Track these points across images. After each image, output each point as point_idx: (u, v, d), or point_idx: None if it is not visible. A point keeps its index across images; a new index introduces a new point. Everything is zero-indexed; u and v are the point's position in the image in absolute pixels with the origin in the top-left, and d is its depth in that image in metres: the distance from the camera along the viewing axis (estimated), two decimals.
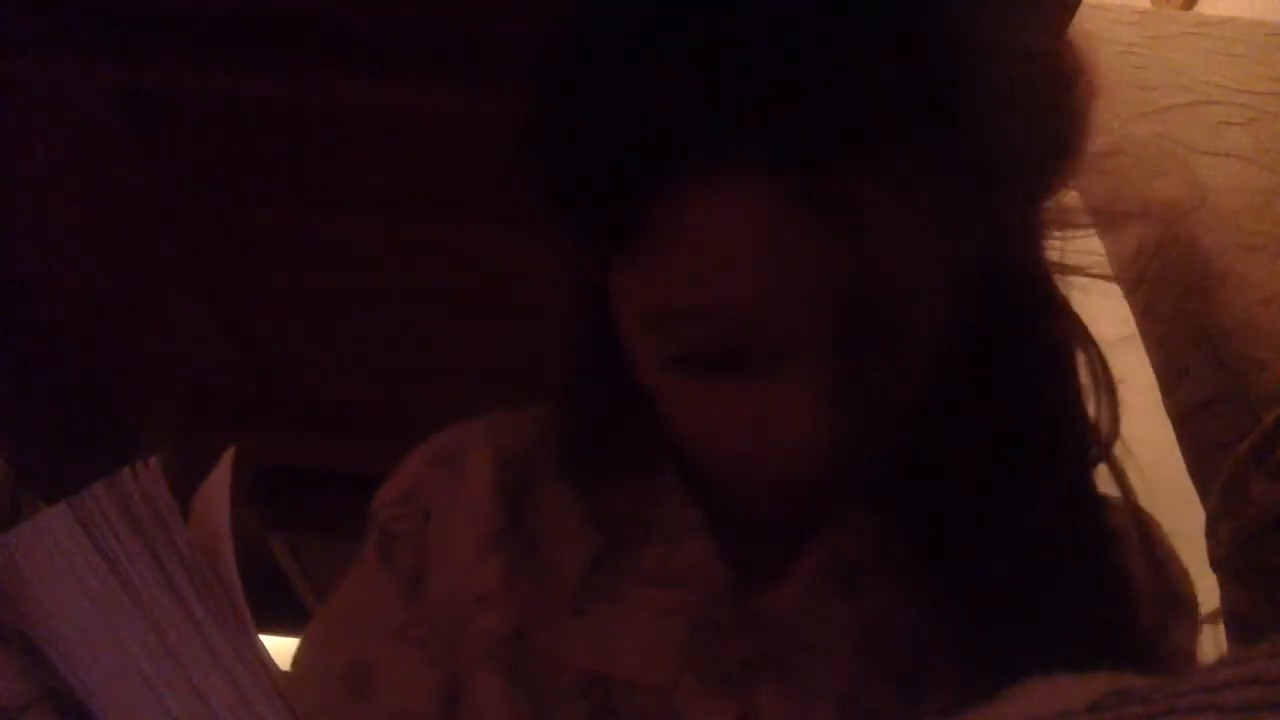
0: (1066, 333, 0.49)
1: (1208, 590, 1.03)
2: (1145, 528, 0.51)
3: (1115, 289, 1.10)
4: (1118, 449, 0.50)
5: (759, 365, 0.42)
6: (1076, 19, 0.82)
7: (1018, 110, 0.43)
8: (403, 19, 0.83)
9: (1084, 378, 0.49)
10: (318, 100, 0.91)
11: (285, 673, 0.33)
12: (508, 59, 0.63)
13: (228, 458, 0.32)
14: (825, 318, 0.40)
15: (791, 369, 0.42)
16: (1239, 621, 0.93)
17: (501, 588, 0.50)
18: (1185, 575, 0.54)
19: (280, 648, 0.51)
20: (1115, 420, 0.49)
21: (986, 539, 0.46)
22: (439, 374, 1.27)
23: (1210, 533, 0.95)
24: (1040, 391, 0.47)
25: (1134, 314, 1.08)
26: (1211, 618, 1.20)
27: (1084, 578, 0.46)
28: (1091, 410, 0.49)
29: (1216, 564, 0.94)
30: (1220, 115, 1.15)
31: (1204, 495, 0.96)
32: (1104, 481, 0.51)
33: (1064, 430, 0.48)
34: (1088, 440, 0.48)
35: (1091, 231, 0.50)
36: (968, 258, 0.43)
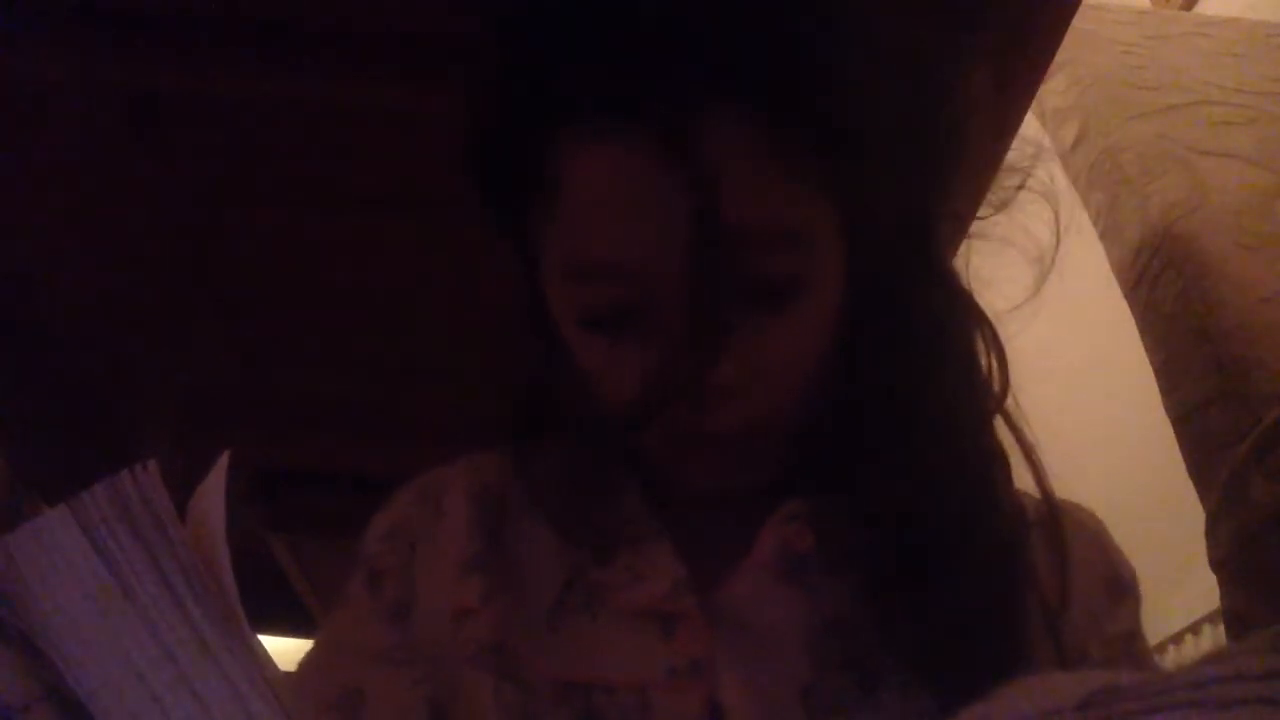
0: (955, 304, 0.52)
1: (1208, 590, 1.03)
2: (1059, 511, 0.54)
3: (1115, 288, 1.11)
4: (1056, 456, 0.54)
5: (655, 322, 0.46)
6: (1076, 19, 0.82)
7: (875, 93, 0.47)
8: (403, 20, 0.83)
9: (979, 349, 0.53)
10: (317, 100, 0.91)
11: (284, 673, 0.33)
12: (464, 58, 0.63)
13: (224, 460, 0.32)
14: (695, 267, 0.44)
15: (681, 324, 0.45)
16: (1239, 621, 0.93)
17: (481, 605, 0.53)
18: (1123, 559, 0.56)
19: (280, 648, 0.51)
20: (1006, 382, 0.52)
21: (894, 502, 0.49)
22: (439, 374, 1.27)
23: (1210, 533, 0.95)
24: (937, 358, 0.51)
25: (1134, 314, 1.08)
26: (1211, 618, 1.21)
27: (978, 536, 0.49)
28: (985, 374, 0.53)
29: (1216, 564, 0.94)
30: (1220, 115, 1.15)
31: (1204, 495, 0.96)
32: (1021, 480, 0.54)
33: (960, 394, 0.51)
34: (984, 404, 0.52)
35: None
36: (842, 224, 0.47)
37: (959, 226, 0.59)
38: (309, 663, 0.57)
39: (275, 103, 0.91)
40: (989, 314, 0.54)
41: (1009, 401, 0.53)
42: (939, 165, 0.52)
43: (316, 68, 0.87)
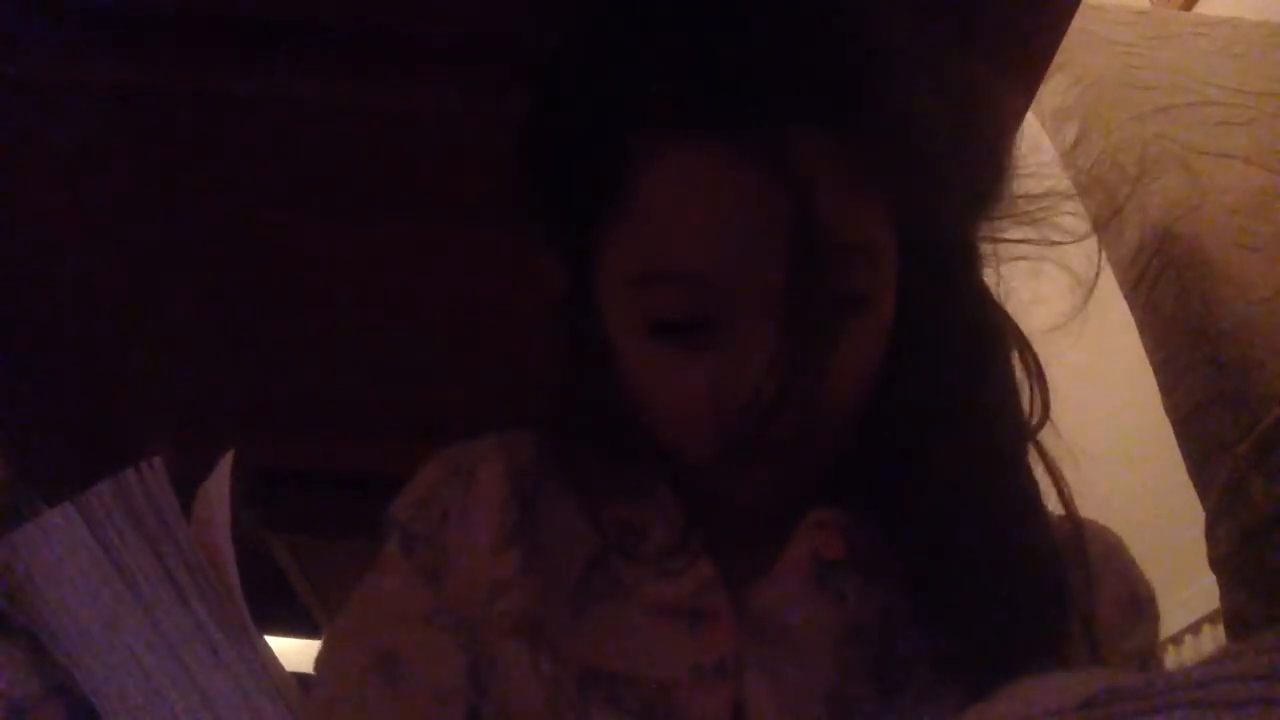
0: (999, 326, 0.53)
1: (1208, 590, 1.03)
2: (1083, 529, 0.54)
3: (1115, 288, 1.11)
4: (1068, 463, 0.54)
5: (728, 331, 0.46)
6: (1076, 19, 0.82)
7: (930, 111, 0.47)
8: (405, 20, 0.83)
9: (1019, 373, 0.54)
10: (317, 100, 0.91)
11: (295, 673, 0.33)
12: (508, 60, 0.63)
13: (227, 460, 0.32)
14: (777, 275, 0.44)
15: (757, 335, 0.45)
16: (1239, 621, 0.93)
17: (519, 576, 0.53)
18: (1143, 578, 0.56)
19: (280, 648, 0.51)
20: (1046, 406, 0.53)
21: (934, 516, 0.49)
22: (439, 374, 1.27)
23: (1210, 533, 0.95)
24: (979, 377, 0.52)
25: (1134, 314, 1.08)
26: (1211, 618, 1.21)
27: (1018, 553, 0.50)
28: (1025, 400, 0.54)
29: (1216, 564, 0.94)
30: (1220, 115, 1.15)
31: (1204, 495, 0.96)
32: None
33: (1000, 414, 0.52)
34: (1022, 424, 0.52)
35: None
36: (905, 240, 0.48)
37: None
38: (343, 627, 0.56)
39: (275, 103, 0.91)
40: (1028, 336, 0.54)
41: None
42: (982, 184, 0.52)
43: (316, 68, 0.87)
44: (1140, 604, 0.55)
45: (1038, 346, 0.54)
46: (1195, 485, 0.98)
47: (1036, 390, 0.53)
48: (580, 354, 0.54)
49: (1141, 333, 1.07)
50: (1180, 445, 1.00)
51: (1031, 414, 0.53)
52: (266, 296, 1.23)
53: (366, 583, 0.57)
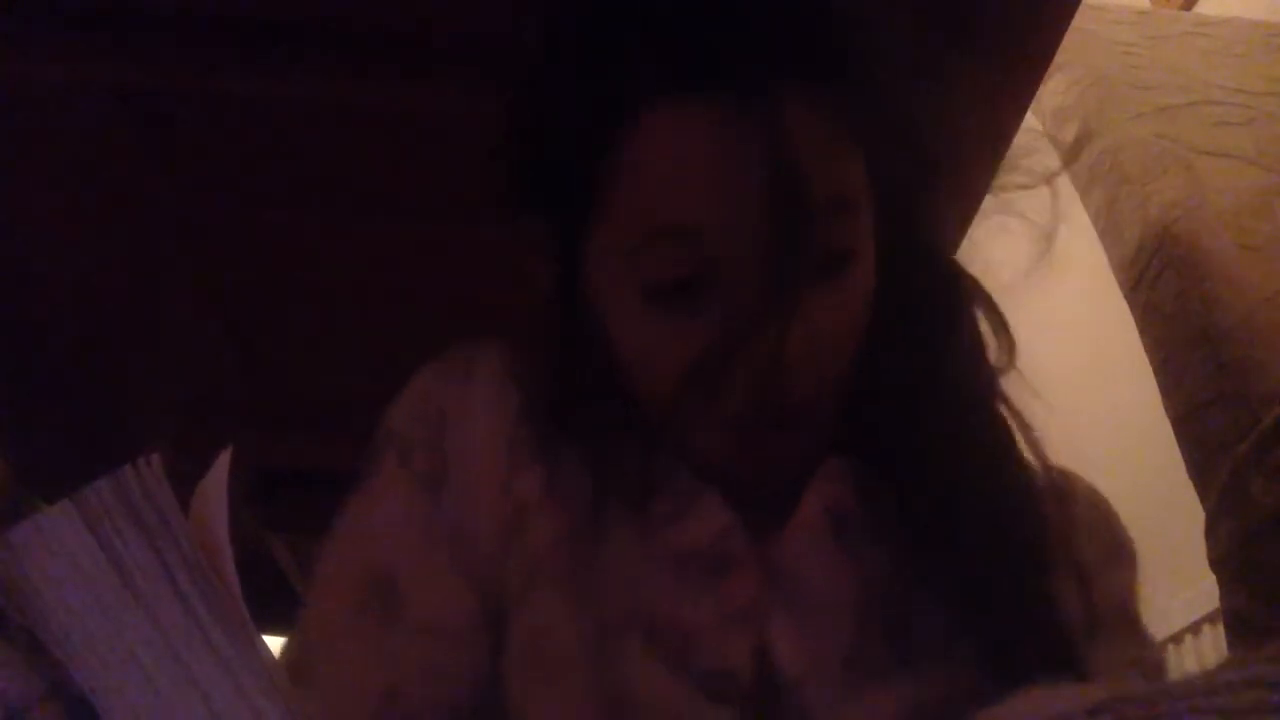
0: (962, 280, 0.56)
1: (1208, 590, 1.03)
2: (1064, 475, 0.57)
3: (1115, 288, 1.11)
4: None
5: (719, 293, 0.48)
6: (1076, 19, 0.82)
7: (914, 83, 0.51)
8: (405, 20, 0.83)
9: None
10: (317, 100, 0.91)
11: (283, 666, 0.33)
12: (508, 60, 0.63)
13: (225, 457, 0.32)
14: (765, 229, 0.46)
15: (750, 294, 0.47)
16: (1239, 621, 0.93)
17: (541, 500, 0.51)
18: (1123, 527, 0.58)
19: (280, 647, 0.50)
20: (1012, 352, 0.55)
21: (917, 465, 0.51)
22: None
23: (1210, 533, 0.95)
24: (950, 329, 0.54)
25: (1134, 314, 1.08)
26: (1211, 618, 1.21)
27: (999, 490, 0.52)
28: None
29: (1216, 564, 0.94)
30: (1220, 115, 1.15)
31: (1204, 495, 0.96)
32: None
33: (970, 362, 0.55)
34: (990, 370, 0.55)
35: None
36: (887, 198, 0.51)
37: (960, 219, 0.62)
38: (332, 551, 0.54)
39: (275, 103, 0.91)
40: (988, 290, 0.57)
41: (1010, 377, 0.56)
42: (934, 156, 0.54)
43: (316, 68, 0.87)
44: (1122, 548, 0.57)
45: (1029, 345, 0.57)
46: (1195, 485, 0.98)
47: (1002, 339, 0.55)
48: (573, 350, 0.54)
49: (1141, 333, 1.07)
50: (1180, 445, 1.00)
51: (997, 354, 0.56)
52: (266, 296, 1.23)
53: (358, 498, 0.55)
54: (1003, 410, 0.54)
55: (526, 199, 0.54)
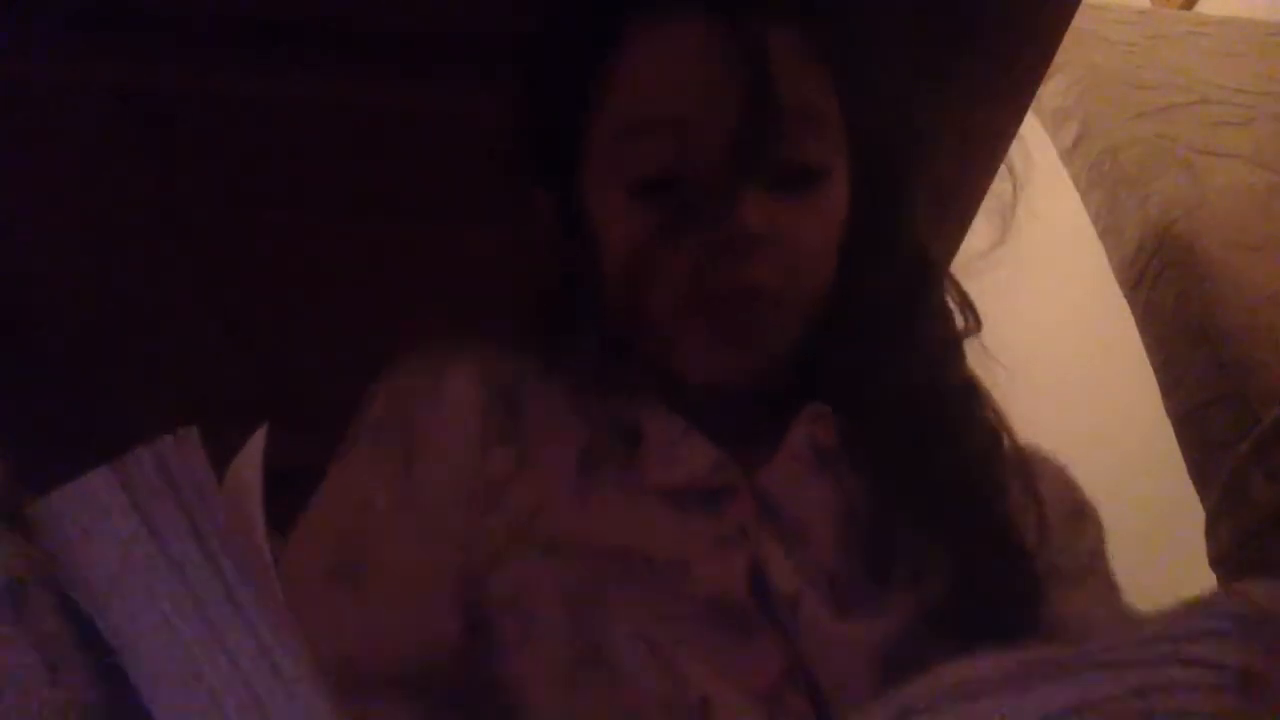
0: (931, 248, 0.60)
1: (1208, 590, 1.03)
2: (1026, 450, 0.60)
3: (1115, 288, 1.11)
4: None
5: (702, 194, 0.53)
6: (1076, 19, 0.82)
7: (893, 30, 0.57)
8: (405, 20, 0.83)
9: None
10: (318, 100, 0.91)
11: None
12: (508, 60, 0.63)
13: (260, 434, 0.33)
14: (744, 137, 0.52)
15: (725, 201, 0.52)
16: None
17: (516, 471, 0.54)
18: (1084, 493, 0.62)
19: None
20: (977, 320, 0.60)
21: (885, 410, 0.55)
22: None
23: (1210, 533, 0.95)
24: (919, 283, 0.59)
25: (1134, 314, 1.08)
26: None
27: (961, 439, 0.56)
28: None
29: (1216, 563, 0.94)
30: (1220, 115, 1.15)
31: (1204, 495, 0.96)
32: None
33: (936, 319, 0.59)
34: (954, 329, 0.59)
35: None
36: (859, 132, 0.56)
37: (960, 219, 0.65)
38: (305, 521, 0.56)
39: (275, 103, 0.91)
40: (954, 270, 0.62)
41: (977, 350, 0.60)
42: (916, 111, 0.59)
43: (316, 68, 0.87)
44: (1083, 509, 0.61)
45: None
46: (1195, 485, 0.98)
47: (968, 311, 0.60)
48: (569, 274, 0.59)
49: (1141, 333, 1.07)
50: (1180, 445, 1.00)
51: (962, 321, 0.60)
52: (266, 296, 1.23)
53: (333, 475, 0.57)
54: (965, 365, 0.58)
55: (529, 149, 0.60)
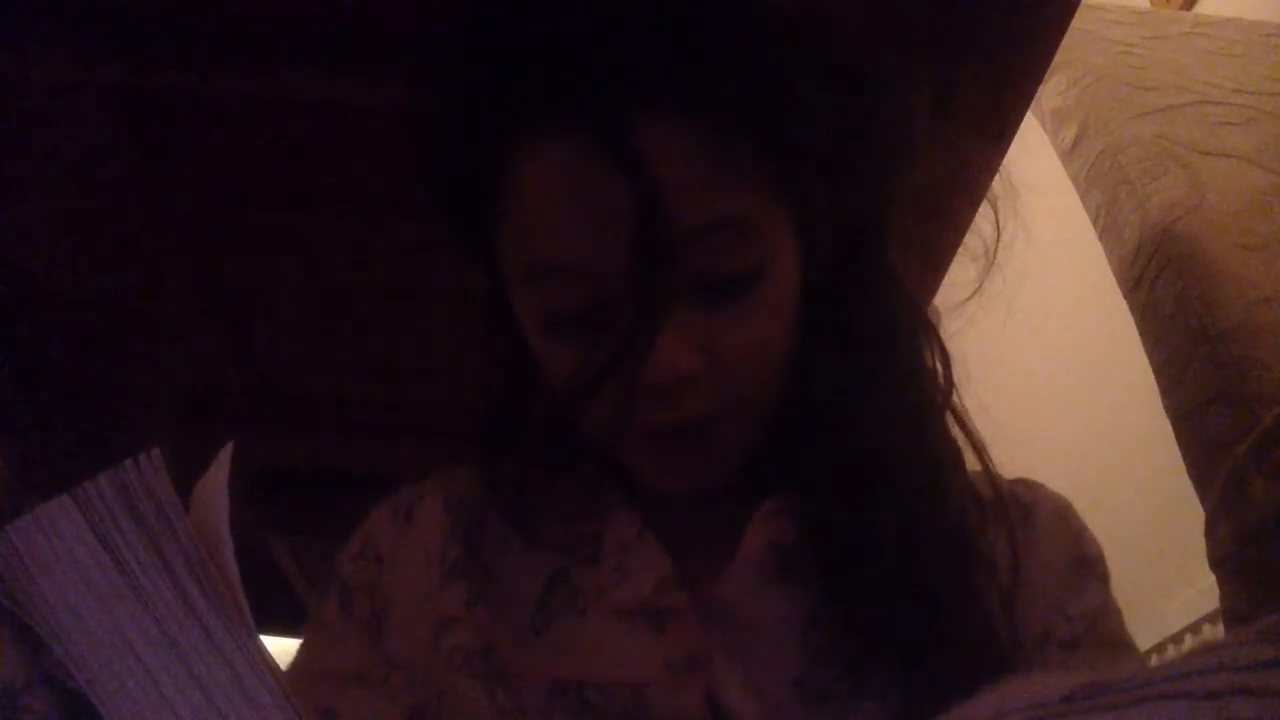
0: (900, 305, 0.55)
1: (1208, 590, 1.03)
2: (1021, 485, 0.57)
3: (1115, 288, 1.11)
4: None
5: (617, 320, 0.47)
6: (1076, 19, 0.82)
7: (818, 106, 0.48)
8: (406, 20, 0.83)
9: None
10: (318, 100, 0.91)
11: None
12: None
13: (226, 453, 0.32)
14: (638, 265, 0.45)
15: (644, 320, 0.46)
16: (1239, 621, 0.93)
17: (466, 611, 0.54)
18: (1089, 537, 0.57)
19: (280, 647, 0.51)
20: (950, 380, 0.55)
21: (845, 493, 0.51)
22: (438, 374, 1.27)
23: (1210, 533, 0.95)
24: (882, 352, 0.53)
25: (1134, 314, 1.08)
26: (1211, 618, 1.21)
27: (933, 520, 0.51)
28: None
29: (1216, 564, 0.94)
30: (1219, 115, 1.15)
31: (1204, 495, 0.96)
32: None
33: (908, 384, 0.53)
34: (931, 394, 0.55)
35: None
36: (793, 223, 0.49)
37: (960, 220, 0.62)
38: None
39: (275, 103, 0.91)
40: (933, 316, 0.57)
41: (955, 400, 0.55)
42: (882, 177, 0.53)
43: (316, 68, 0.87)
44: (1089, 563, 0.56)
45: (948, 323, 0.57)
46: (1195, 485, 0.98)
47: (941, 365, 0.55)
48: (513, 361, 0.56)
49: (1141, 333, 1.07)
50: (1180, 445, 1.00)
51: (938, 387, 0.55)
52: (266, 297, 1.23)
53: (307, 641, 0.58)
54: (944, 433, 0.54)
55: (439, 206, 0.57)
